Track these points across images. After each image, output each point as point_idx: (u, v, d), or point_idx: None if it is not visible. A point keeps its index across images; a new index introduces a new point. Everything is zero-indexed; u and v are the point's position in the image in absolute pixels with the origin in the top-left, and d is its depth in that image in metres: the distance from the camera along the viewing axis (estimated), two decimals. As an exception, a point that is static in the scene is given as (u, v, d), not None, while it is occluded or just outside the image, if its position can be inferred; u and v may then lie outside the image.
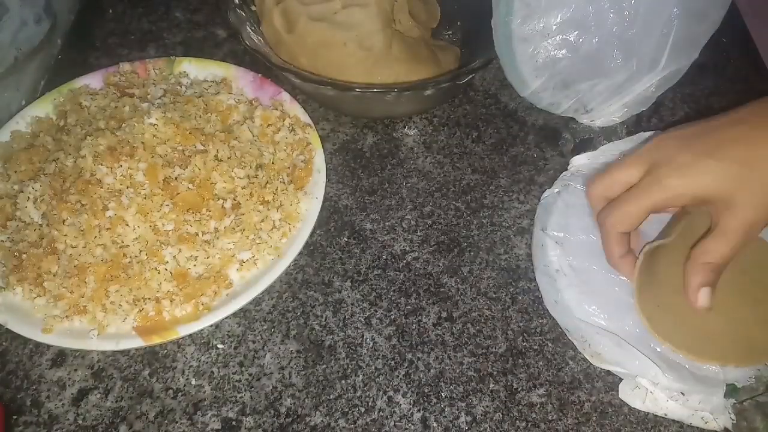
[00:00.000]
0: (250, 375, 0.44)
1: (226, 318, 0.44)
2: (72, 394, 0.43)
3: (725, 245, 0.38)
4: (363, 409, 0.43)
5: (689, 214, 0.42)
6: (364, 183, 0.55)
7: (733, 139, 0.38)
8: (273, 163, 0.51)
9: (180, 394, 0.43)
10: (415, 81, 0.54)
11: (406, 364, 0.45)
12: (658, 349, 0.42)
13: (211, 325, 0.43)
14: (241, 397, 0.43)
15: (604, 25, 0.49)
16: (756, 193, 0.37)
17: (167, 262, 0.45)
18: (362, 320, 0.47)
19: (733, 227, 0.38)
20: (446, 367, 0.45)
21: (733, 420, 0.40)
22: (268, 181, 0.49)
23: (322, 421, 0.42)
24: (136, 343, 0.42)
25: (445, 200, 0.54)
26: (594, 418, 0.42)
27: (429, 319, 0.47)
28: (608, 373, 0.44)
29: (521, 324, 0.47)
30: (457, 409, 0.43)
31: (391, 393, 0.43)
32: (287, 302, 0.48)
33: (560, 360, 0.45)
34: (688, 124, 0.42)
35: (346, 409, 0.43)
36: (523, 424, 0.42)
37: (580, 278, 0.45)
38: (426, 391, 0.44)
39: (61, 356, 0.44)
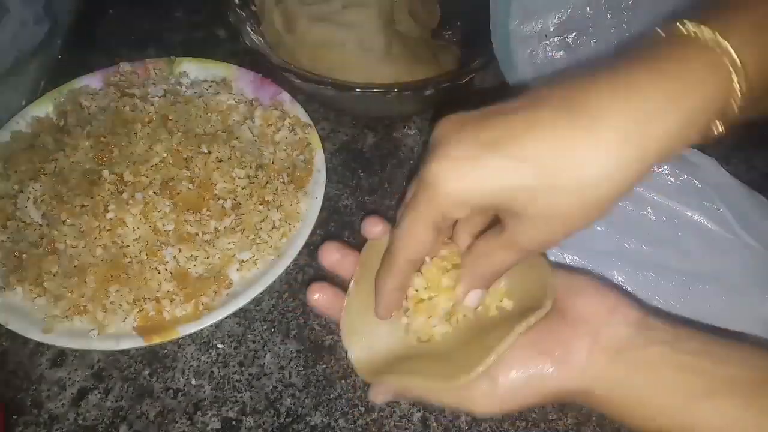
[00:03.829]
0: (250, 375, 0.44)
1: (226, 318, 0.44)
2: (72, 394, 0.43)
3: (510, 256, 0.31)
4: (363, 409, 0.43)
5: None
6: (364, 183, 0.55)
7: (530, 126, 0.27)
8: (273, 163, 0.51)
9: (180, 394, 0.43)
10: (415, 81, 0.55)
11: (405, 364, 0.45)
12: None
13: (211, 325, 0.43)
14: (241, 397, 0.43)
15: (602, 27, 0.49)
16: (553, 208, 0.27)
17: (167, 262, 0.45)
18: (362, 320, 0.47)
19: (523, 240, 0.29)
20: (446, 367, 0.45)
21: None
22: (268, 181, 0.49)
23: (322, 421, 0.42)
24: (137, 342, 0.42)
25: (444, 200, 0.54)
26: (594, 418, 0.42)
27: (429, 319, 0.47)
28: (608, 372, 0.44)
29: (521, 324, 0.47)
30: (457, 409, 0.43)
31: (390, 393, 0.43)
32: (287, 302, 0.48)
33: (560, 360, 0.45)
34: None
35: (346, 409, 0.43)
36: (523, 423, 0.42)
37: (580, 278, 0.45)
38: (426, 390, 0.44)
39: (61, 356, 0.44)
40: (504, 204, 0.28)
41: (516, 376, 0.31)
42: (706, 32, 0.26)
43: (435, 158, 0.28)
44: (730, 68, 0.26)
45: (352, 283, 0.36)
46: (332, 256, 0.37)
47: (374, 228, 0.36)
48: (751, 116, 0.29)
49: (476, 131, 0.28)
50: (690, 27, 0.27)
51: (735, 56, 0.26)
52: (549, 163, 0.26)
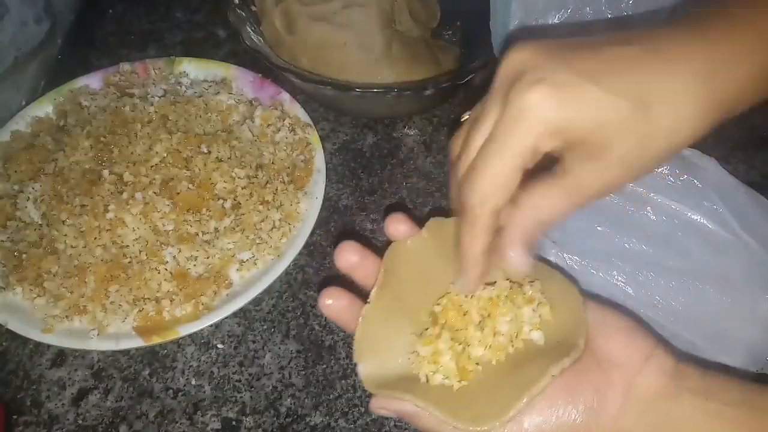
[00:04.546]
0: (250, 375, 0.44)
1: (226, 318, 0.44)
2: (72, 394, 0.43)
3: (567, 202, 0.28)
4: (363, 409, 0.43)
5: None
6: (364, 183, 0.55)
7: (623, 61, 0.27)
8: (273, 163, 0.51)
9: (180, 394, 0.43)
10: (415, 81, 0.54)
11: (405, 364, 0.45)
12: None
13: (211, 325, 0.43)
14: (241, 397, 0.43)
15: (602, 27, 0.49)
16: (638, 143, 0.27)
17: (167, 262, 0.45)
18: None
19: (589, 184, 0.28)
20: (446, 367, 0.45)
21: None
22: (268, 181, 0.49)
23: (322, 421, 0.42)
24: (136, 342, 0.42)
25: (445, 200, 0.54)
26: None
27: (429, 319, 0.47)
28: (608, 372, 0.44)
29: (521, 324, 0.47)
30: (457, 409, 0.43)
31: (390, 393, 0.43)
32: (287, 302, 0.48)
33: (560, 360, 0.45)
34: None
35: (346, 409, 0.43)
36: None
37: (579, 278, 0.45)
38: (426, 390, 0.44)
39: (61, 356, 0.44)
40: (593, 137, 0.26)
41: (543, 422, 0.29)
42: None
43: (530, 84, 0.26)
44: None
45: (374, 290, 0.32)
46: (350, 258, 0.33)
47: (400, 226, 0.32)
48: None
49: (569, 60, 0.27)
50: None
51: None
52: (644, 100, 0.26)
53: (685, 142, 0.27)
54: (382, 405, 0.31)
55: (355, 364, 0.32)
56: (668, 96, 0.26)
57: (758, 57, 0.27)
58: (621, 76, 0.26)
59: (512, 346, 0.31)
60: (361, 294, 0.33)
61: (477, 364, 0.31)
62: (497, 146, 0.27)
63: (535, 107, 0.26)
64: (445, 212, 0.53)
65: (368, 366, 0.31)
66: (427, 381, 0.30)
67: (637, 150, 0.27)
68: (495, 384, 0.30)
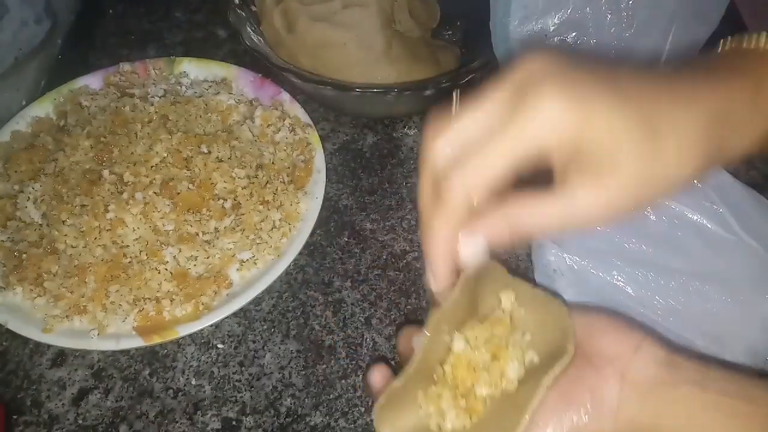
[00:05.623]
0: (250, 375, 0.44)
1: (226, 318, 0.44)
2: (72, 393, 0.43)
3: (557, 215, 0.27)
4: (363, 409, 0.43)
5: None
6: (364, 183, 0.55)
7: (640, 90, 0.27)
8: (273, 163, 0.51)
9: (180, 394, 0.43)
10: (415, 81, 0.55)
11: (405, 364, 0.45)
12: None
13: (211, 325, 0.43)
14: (241, 397, 0.43)
15: (602, 26, 0.49)
16: (643, 170, 0.26)
17: (167, 262, 0.45)
18: (362, 320, 0.47)
19: (584, 203, 0.27)
20: (446, 367, 0.45)
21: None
22: (268, 181, 0.49)
23: (322, 421, 0.42)
24: (136, 342, 0.42)
25: (444, 200, 0.54)
26: None
27: (429, 319, 0.47)
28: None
29: (521, 324, 0.47)
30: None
31: (390, 393, 0.43)
32: (287, 302, 0.48)
33: (560, 360, 0.45)
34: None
35: (346, 409, 0.43)
36: (523, 423, 0.42)
37: (579, 278, 0.45)
38: (426, 390, 0.44)
39: (61, 356, 0.44)
40: (602, 152, 0.26)
41: None
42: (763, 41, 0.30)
43: (549, 88, 0.26)
44: None
45: (408, 367, 0.31)
46: (379, 381, 0.33)
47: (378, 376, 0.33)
48: None
49: (587, 77, 0.27)
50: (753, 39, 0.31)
51: None
52: (655, 130, 0.26)
53: (683, 182, 0.28)
54: None
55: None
56: (678, 131, 0.27)
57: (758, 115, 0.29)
58: (636, 103, 0.27)
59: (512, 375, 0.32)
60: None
61: (485, 399, 0.31)
62: (501, 138, 0.27)
63: (549, 109, 0.26)
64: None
65: (386, 426, 0.32)
66: (440, 430, 0.31)
67: (641, 177, 0.27)
68: (501, 410, 0.30)
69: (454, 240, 0.29)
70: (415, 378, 0.32)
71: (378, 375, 0.33)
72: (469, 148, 0.27)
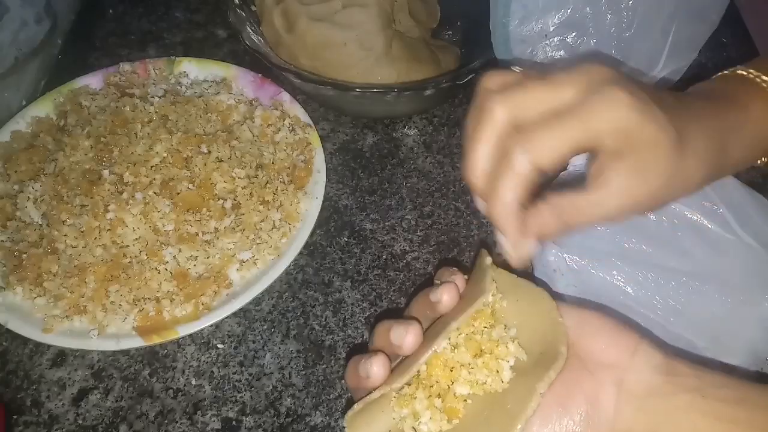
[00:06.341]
0: (250, 375, 0.44)
1: (226, 318, 0.44)
2: (72, 394, 0.43)
3: (599, 209, 0.31)
4: (363, 409, 0.43)
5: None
6: (364, 183, 0.55)
7: (668, 104, 0.32)
8: (273, 163, 0.51)
9: (180, 394, 0.43)
10: (415, 81, 0.55)
11: (405, 364, 0.45)
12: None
13: (211, 325, 0.43)
14: (241, 397, 0.43)
15: (602, 26, 0.49)
16: (672, 170, 0.31)
17: (167, 262, 0.45)
18: (362, 320, 0.47)
19: (624, 193, 0.31)
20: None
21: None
22: (268, 181, 0.49)
23: (322, 421, 0.42)
24: (136, 342, 0.42)
25: (445, 200, 0.54)
26: None
27: (429, 319, 0.47)
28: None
29: (521, 324, 0.47)
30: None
31: (390, 393, 0.43)
32: (287, 302, 0.48)
33: (560, 360, 0.45)
34: None
35: (346, 409, 0.43)
36: (523, 423, 0.42)
37: (579, 278, 0.45)
38: (426, 390, 0.44)
39: (61, 356, 0.44)
40: (647, 148, 0.30)
41: None
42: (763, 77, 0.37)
43: (618, 86, 0.30)
44: None
45: (404, 378, 0.31)
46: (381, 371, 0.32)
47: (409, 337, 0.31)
48: None
49: (638, 86, 0.31)
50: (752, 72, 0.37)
51: None
52: (683, 137, 0.31)
53: (695, 188, 0.34)
54: None
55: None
56: (696, 142, 0.32)
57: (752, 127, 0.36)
58: (672, 116, 0.31)
59: (497, 373, 0.30)
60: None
61: (465, 400, 0.30)
62: (572, 118, 0.29)
63: (620, 102, 0.29)
64: (445, 212, 0.53)
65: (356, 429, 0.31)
66: None
67: (670, 177, 0.31)
68: (487, 414, 0.29)
69: (518, 205, 0.31)
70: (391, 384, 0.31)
71: (377, 367, 0.31)
72: (536, 119, 0.30)
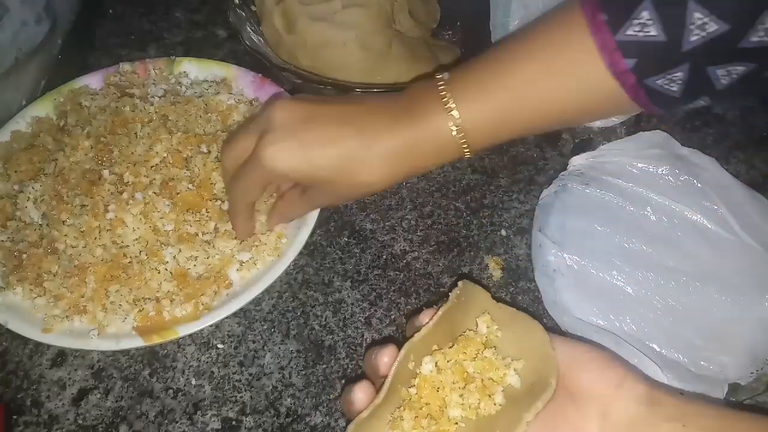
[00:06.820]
0: (250, 375, 0.44)
1: (226, 318, 0.44)
2: (72, 394, 0.43)
3: (306, 207, 0.46)
4: (363, 409, 0.43)
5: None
6: (363, 183, 0.55)
7: (333, 137, 0.39)
8: (273, 163, 0.51)
9: (180, 394, 0.43)
10: (414, 81, 0.54)
11: (405, 364, 0.45)
12: (657, 348, 0.42)
13: (211, 325, 0.43)
14: (241, 397, 0.43)
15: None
16: (341, 189, 0.41)
17: (167, 262, 0.45)
18: (362, 320, 0.47)
19: (318, 201, 0.45)
20: (446, 367, 0.45)
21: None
22: (268, 181, 0.49)
23: (322, 421, 0.42)
24: (136, 342, 0.42)
25: (445, 200, 0.54)
26: None
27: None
28: (608, 372, 0.44)
29: (521, 324, 0.47)
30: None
31: (390, 393, 0.43)
32: (287, 302, 0.48)
33: (560, 360, 0.45)
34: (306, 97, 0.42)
35: (346, 409, 0.43)
36: None
37: (579, 278, 0.45)
38: (426, 390, 0.44)
39: (61, 356, 0.44)
40: (323, 180, 0.40)
41: None
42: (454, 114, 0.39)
43: (270, 142, 0.39)
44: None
45: (377, 398, 0.33)
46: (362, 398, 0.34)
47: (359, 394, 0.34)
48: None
49: (309, 124, 0.39)
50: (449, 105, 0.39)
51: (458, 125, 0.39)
52: (346, 167, 0.39)
53: (378, 187, 0.41)
54: None
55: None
56: (365, 164, 0.39)
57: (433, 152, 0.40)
58: (330, 151, 0.39)
59: (489, 397, 0.32)
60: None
61: (456, 423, 0.31)
62: (246, 171, 0.41)
63: (269, 160, 0.38)
64: (445, 212, 0.53)
65: None
66: None
67: (342, 192, 0.41)
68: None
69: (245, 219, 0.45)
70: (383, 407, 0.32)
71: (360, 393, 0.34)
72: (239, 169, 0.42)
